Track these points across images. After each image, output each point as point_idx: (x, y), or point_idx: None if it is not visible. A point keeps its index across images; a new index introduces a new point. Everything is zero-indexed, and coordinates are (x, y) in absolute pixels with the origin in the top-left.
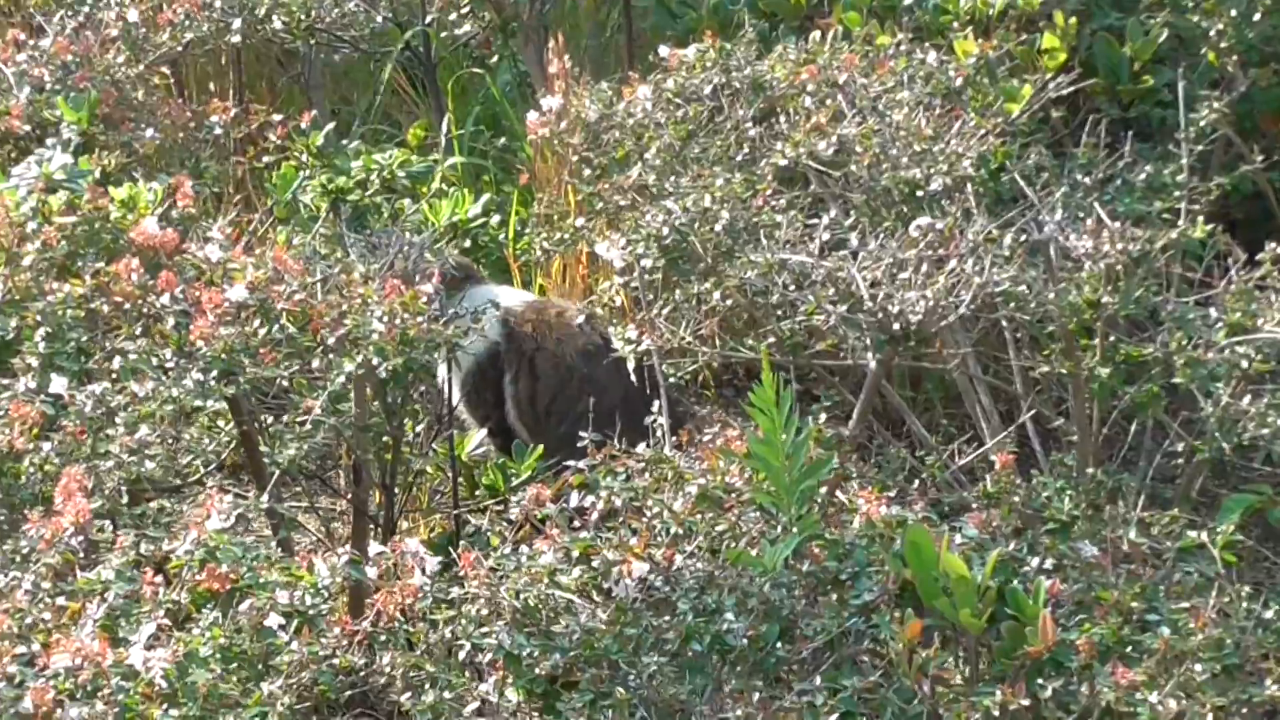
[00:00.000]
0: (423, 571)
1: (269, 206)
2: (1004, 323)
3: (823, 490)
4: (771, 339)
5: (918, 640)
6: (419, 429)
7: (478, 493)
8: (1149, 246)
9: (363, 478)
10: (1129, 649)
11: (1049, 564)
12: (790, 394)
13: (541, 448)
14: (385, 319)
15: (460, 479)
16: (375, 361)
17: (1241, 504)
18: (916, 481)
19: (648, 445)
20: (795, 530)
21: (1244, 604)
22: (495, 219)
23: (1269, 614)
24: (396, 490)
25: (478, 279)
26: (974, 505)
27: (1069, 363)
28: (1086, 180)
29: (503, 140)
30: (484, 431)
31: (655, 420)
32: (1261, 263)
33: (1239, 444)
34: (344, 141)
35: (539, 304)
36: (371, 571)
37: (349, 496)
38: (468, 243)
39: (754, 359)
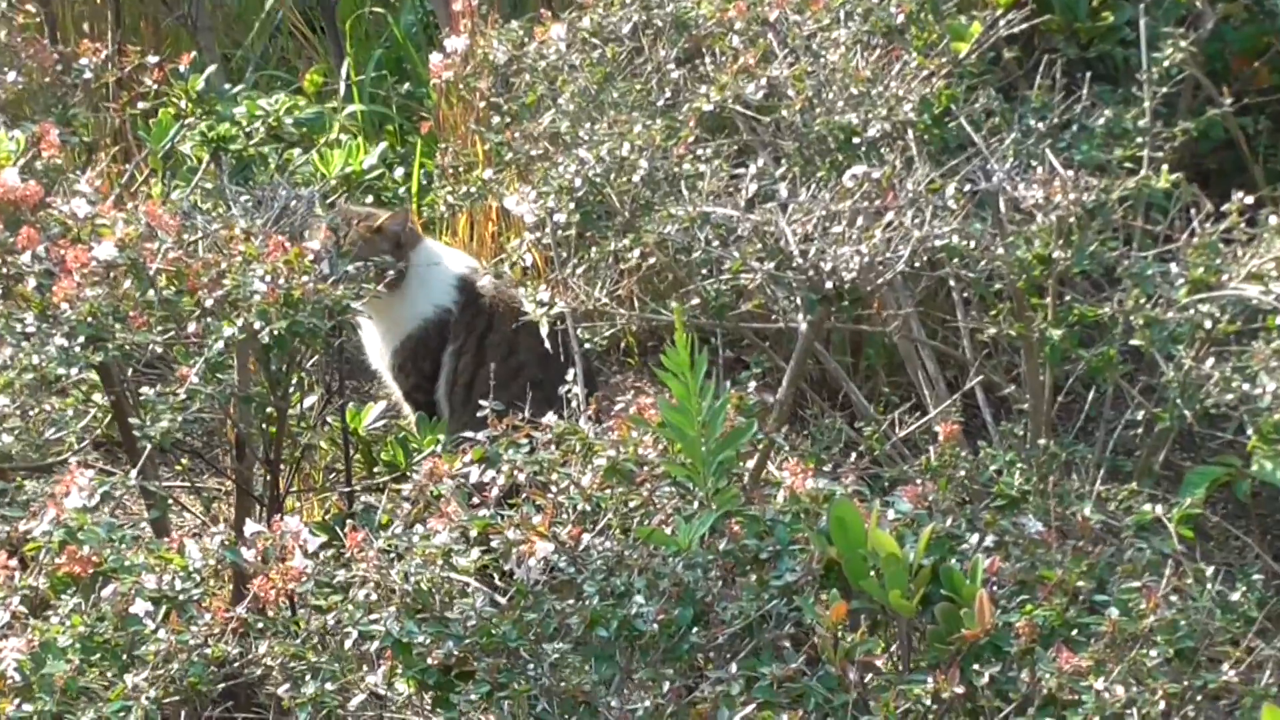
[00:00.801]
0: (304, 552)
1: (142, 157)
2: (951, 281)
3: (749, 464)
4: (695, 300)
5: (844, 624)
6: (311, 401)
7: (376, 470)
8: (1105, 197)
9: (245, 453)
10: (1074, 632)
11: (989, 541)
12: (704, 358)
13: (444, 422)
14: (268, 279)
15: (357, 455)
16: (257, 325)
17: (1207, 477)
18: (854, 455)
19: (560, 416)
20: (712, 506)
21: (1204, 584)
22: (399, 172)
23: (1235, 596)
24: (283, 466)
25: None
26: (917, 480)
27: (1018, 324)
28: (1040, 126)
29: (407, 86)
30: (399, 402)
31: (570, 390)
32: (1229, 214)
33: (1204, 412)
34: (228, 86)
35: (505, 282)
36: (249, 553)
37: (233, 474)
38: (369, 199)
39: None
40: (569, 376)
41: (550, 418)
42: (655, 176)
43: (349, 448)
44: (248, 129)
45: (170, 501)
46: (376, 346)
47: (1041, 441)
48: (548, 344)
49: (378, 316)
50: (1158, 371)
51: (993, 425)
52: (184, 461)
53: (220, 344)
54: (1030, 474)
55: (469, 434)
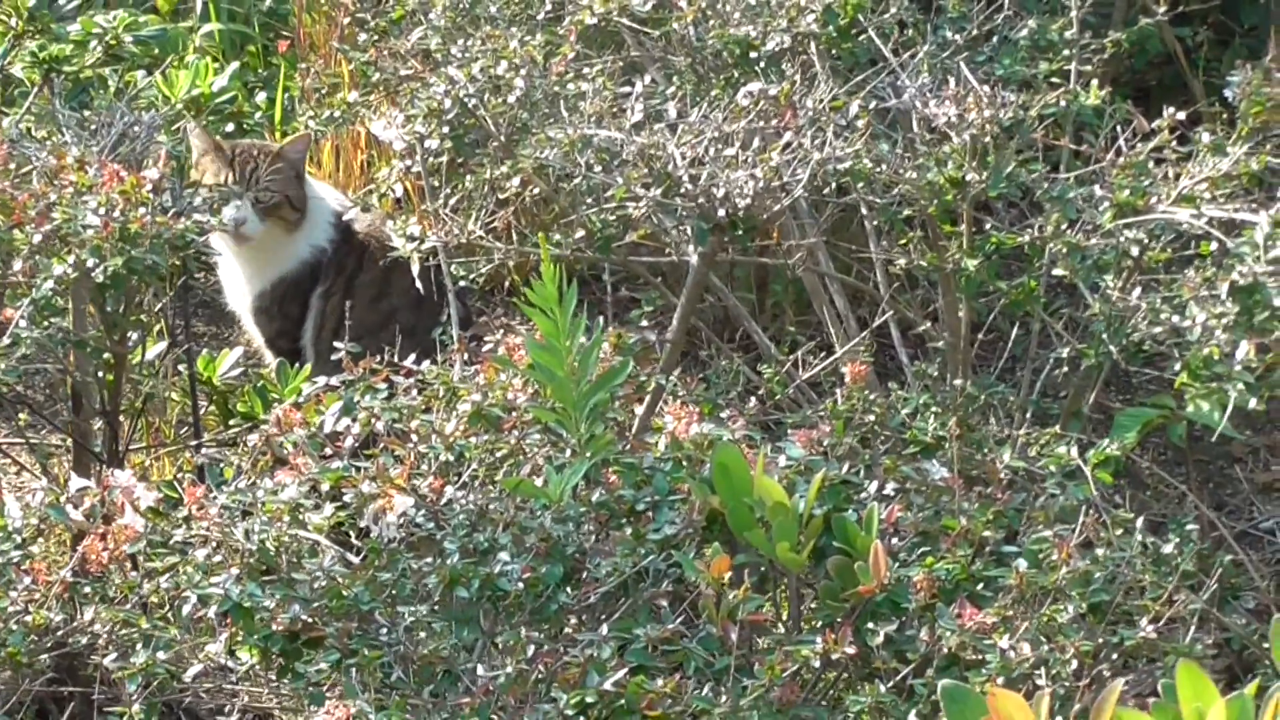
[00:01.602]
0: (135, 509)
1: None
2: (862, 210)
3: (639, 411)
4: (580, 233)
5: (727, 580)
6: (159, 349)
7: (233, 423)
8: (1023, 114)
9: (83, 405)
10: (979, 586)
11: (889, 488)
12: (574, 291)
13: (307, 370)
14: (102, 212)
15: (211, 406)
16: (90, 263)
17: (1138, 419)
18: (753, 399)
19: (432, 361)
20: (586, 454)
21: (1131, 534)
22: (261, 96)
23: (1168, 548)
24: (124, 419)
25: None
26: (820, 425)
27: (931, 254)
28: (957, 38)
29: (269, 1)
30: (261, 349)
31: (442, 332)
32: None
33: (1135, 349)
34: (64, 2)
35: (378, 216)
36: (75, 512)
37: (71, 428)
38: (229, 126)
39: (560, 258)
40: (444, 318)
41: (414, 362)
42: (533, 97)
43: (196, 398)
44: (85, 49)
45: (4, 459)
46: (239, 287)
47: (958, 382)
48: (419, 285)
49: (247, 256)
50: (1083, 304)
51: (907, 365)
52: (22, 416)
53: (49, 284)
54: (946, 418)
55: (325, 379)
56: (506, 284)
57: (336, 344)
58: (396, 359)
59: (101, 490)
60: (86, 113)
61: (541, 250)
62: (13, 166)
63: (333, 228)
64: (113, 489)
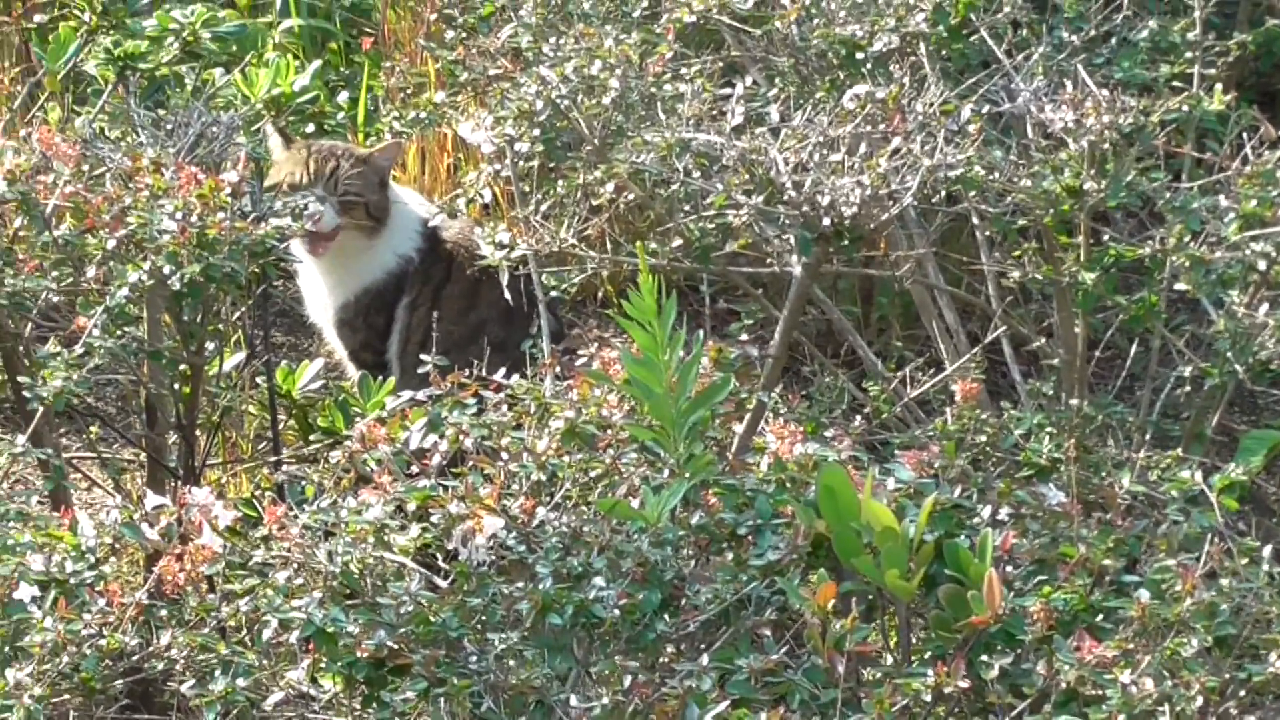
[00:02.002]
0: (213, 529)
1: (39, 77)
2: (973, 219)
3: (738, 429)
4: (677, 241)
5: (833, 608)
6: (236, 359)
7: (313, 438)
8: (1144, 120)
9: (157, 418)
10: (1099, 618)
11: (1003, 513)
12: (673, 304)
13: (391, 383)
14: (179, 216)
15: (290, 420)
16: (166, 270)
17: (1265, 441)
18: (858, 418)
19: (522, 375)
20: (684, 474)
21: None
22: (344, 96)
23: None
24: (200, 433)
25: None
26: (934, 446)
27: (1046, 267)
28: (1074, 39)
29: None
30: (343, 361)
31: (533, 345)
32: None
33: (1260, 367)
34: None
35: (467, 224)
36: (150, 531)
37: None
38: (310, 127)
39: (657, 268)
40: (534, 331)
41: (504, 376)
42: (629, 98)
43: (275, 412)
44: (161, 45)
45: (75, 474)
46: (321, 299)
47: (1074, 402)
48: (508, 295)
49: (329, 265)
50: (1207, 321)
51: (1020, 383)
52: (93, 429)
53: (124, 291)
54: (1061, 439)
55: (411, 393)
56: (599, 295)
57: (423, 357)
58: (486, 373)
59: (178, 508)
60: (162, 112)
61: (639, 260)
62: (86, 168)
63: (419, 236)
64: (189, 507)
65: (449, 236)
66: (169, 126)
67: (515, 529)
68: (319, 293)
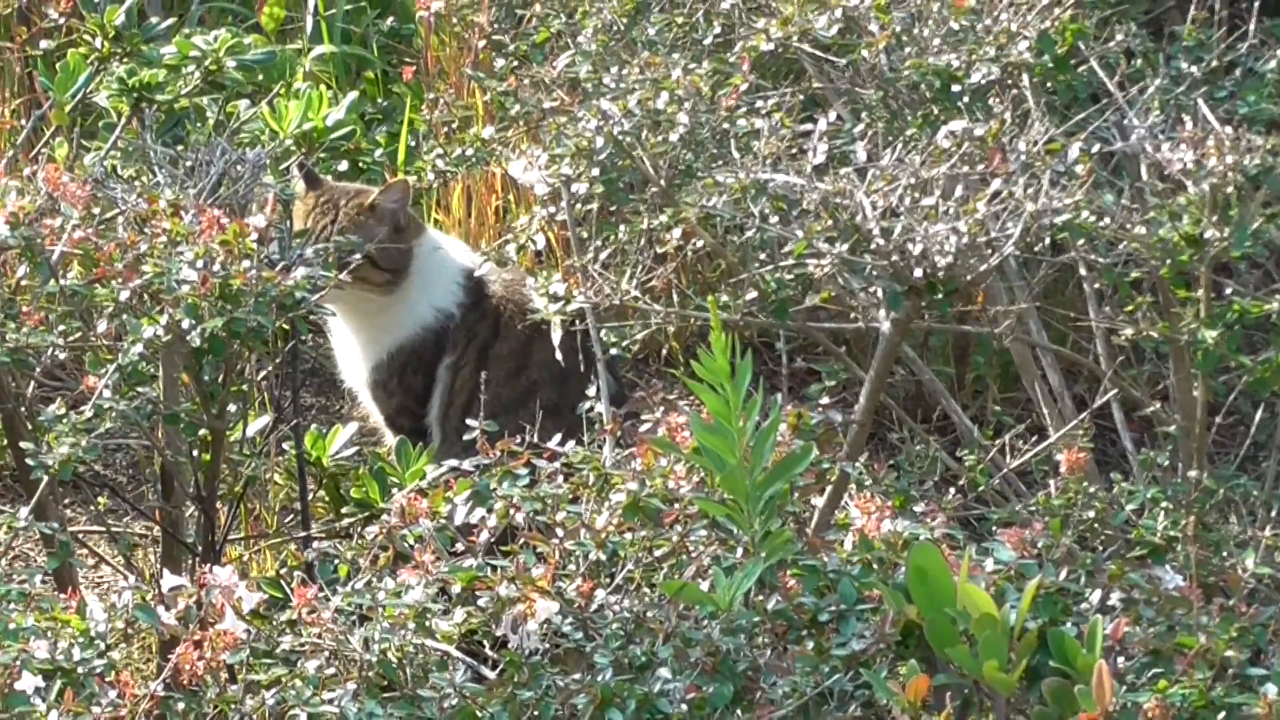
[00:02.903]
0: (237, 613)
1: (46, 109)
2: (1080, 270)
3: (817, 502)
4: (751, 293)
5: (926, 703)
6: (259, 423)
7: (346, 510)
8: (1271, 160)
9: (173, 488)
10: (1220, 716)
11: (1114, 598)
12: (748, 364)
13: (433, 450)
14: (200, 265)
15: (320, 491)
16: (185, 324)
17: None
18: (952, 490)
19: (577, 442)
20: (760, 554)
21: None
22: (381, 130)
23: None
24: (221, 505)
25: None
26: (1037, 523)
27: (1163, 324)
28: (1194, 71)
29: (391, 21)
30: (379, 427)
31: (589, 408)
32: None
33: None
34: (156, 21)
35: (512, 278)
36: (168, 614)
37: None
38: (343, 165)
39: (729, 323)
40: (590, 392)
41: (560, 443)
42: (699, 135)
43: (304, 481)
44: (180, 74)
45: (83, 550)
46: (353, 357)
47: (1193, 474)
48: (560, 355)
49: (361, 321)
50: None
51: (1132, 453)
52: (102, 500)
53: (138, 348)
54: (1179, 515)
55: (455, 462)
56: (664, 353)
57: (469, 422)
58: (538, 440)
59: (197, 589)
60: (181, 149)
61: (710, 314)
62: (96, 211)
63: (461, 289)
64: (210, 588)
65: (496, 289)
66: (189, 165)
67: (571, 614)
68: (351, 352)
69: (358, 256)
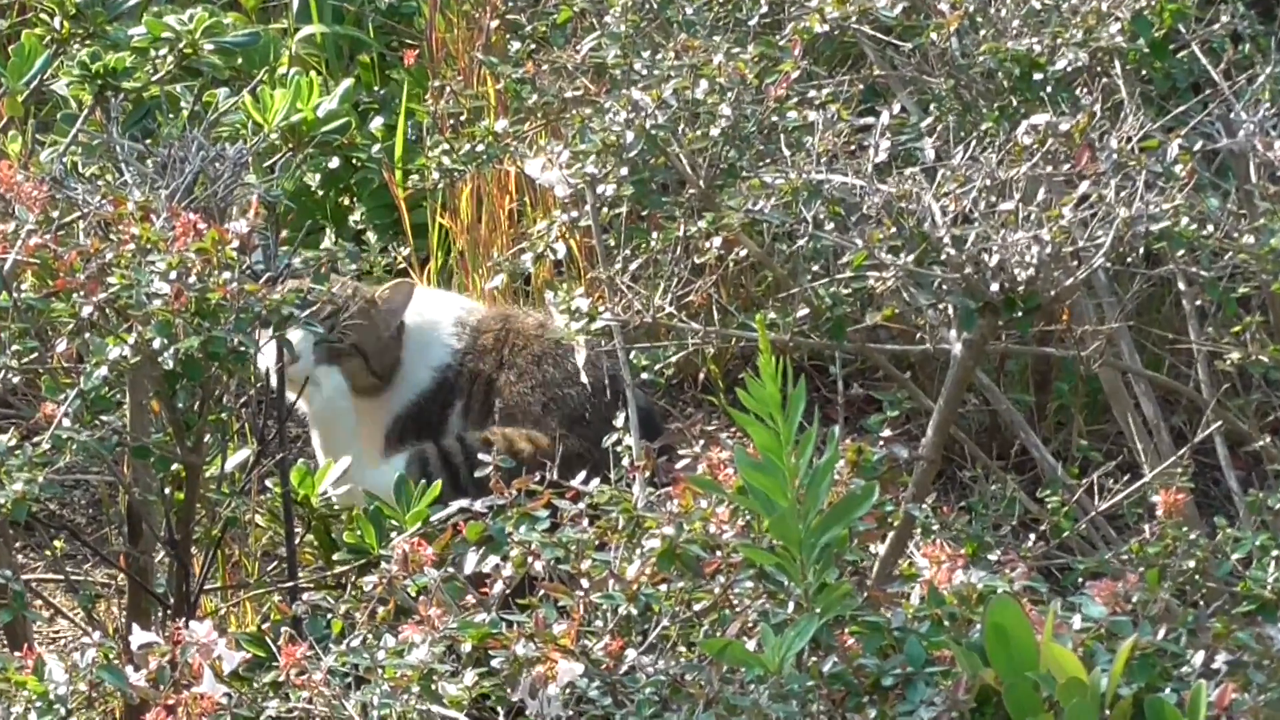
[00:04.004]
0: (216, 675)
1: None
2: (1180, 284)
3: (878, 550)
4: (802, 310)
5: None
6: (239, 457)
7: (338, 557)
8: None
9: (141, 531)
10: None
11: (1219, 660)
12: (802, 392)
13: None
14: (174, 276)
15: (308, 535)
16: (156, 344)
17: None
18: (1033, 537)
19: (603, 480)
20: (814, 609)
21: None
22: (378, 122)
23: None
24: (196, 551)
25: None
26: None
27: (1274, 346)
28: None
29: None
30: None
31: (617, 440)
32: None
33: None
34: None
35: (506, 313)
36: (137, 675)
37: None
38: (333, 161)
39: (778, 344)
40: (618, 423)
41: (584, 481)
42: (744, 129)
43: (290, 523)
44: (150, 59)
45: (37, 601)
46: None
47: None
48: (585, 379)
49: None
50: None
51: (1238, 494)
52: (60, 544)
53: (102, 371)
54: None
55: (464, 502)
56: (702, 378)
57: (482, 456)
58: (560, 477)
59: (170, 646)
60: (151, 143)
61: (757, 334)
62: (55, 214)
63: (453, 337)
64: (185, 645)
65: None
66: (160, 162)
67: (598, 676)
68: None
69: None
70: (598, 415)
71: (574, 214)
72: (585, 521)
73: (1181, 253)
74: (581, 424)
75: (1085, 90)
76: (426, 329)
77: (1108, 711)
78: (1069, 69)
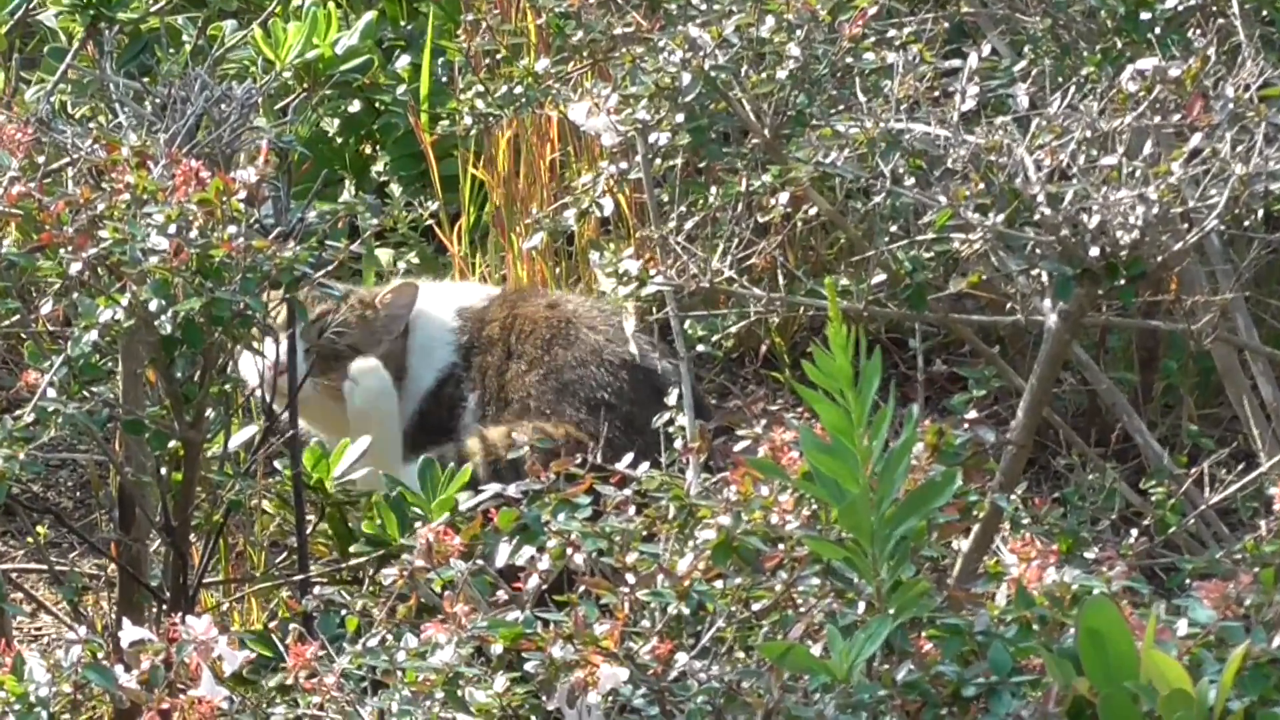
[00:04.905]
0: (217, 676)
1: None
2: None
3: (961, 545)
4: (878, 275)
5: None
6: (245, 434)
7: (355, 548)
8: None
9: (134, 516)
10: None
11: None
12: (877, 364)
13: (468, 471)
14: (173, 230)
15: (321, 523)
16: (153, 306)
17: None
18: (1133, 531)
19: (653, 464)
20: (887, 610)
21: None
22: (404, 61)
23: None
24: (196, 538)
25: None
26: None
27: None
28: None
29: None
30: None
31: (668, 419)
32: None
33: None
34: None
35: (515, 297)
36: (127, 676)
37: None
38: (354, 104)
39: (851, 313)
40: (670, 400)
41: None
42: (815, 72)
43: (302, 509)
44: None
45: (17, 594)
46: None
47: None
48: (635, 349)
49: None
50: None
51: None
52: (43, 530)
53: (92, 335)
54: None
55: (498, 486)
56: (764, 350)
57: (515, 437)
58: (602, 460)
59: (165, 644)
60: (150, 82)
61: (827, 302)
62: (41, 160)
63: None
64: (182, 644)
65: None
66: (159, 102)
67: (645, 682)
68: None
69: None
70: (622, 396)
71: (623, 165)
72: (631, 510)
73: None
74: (607, 408)
75: (1198, 31)
76: (428, 329)
77: None
78: (1180, 7)
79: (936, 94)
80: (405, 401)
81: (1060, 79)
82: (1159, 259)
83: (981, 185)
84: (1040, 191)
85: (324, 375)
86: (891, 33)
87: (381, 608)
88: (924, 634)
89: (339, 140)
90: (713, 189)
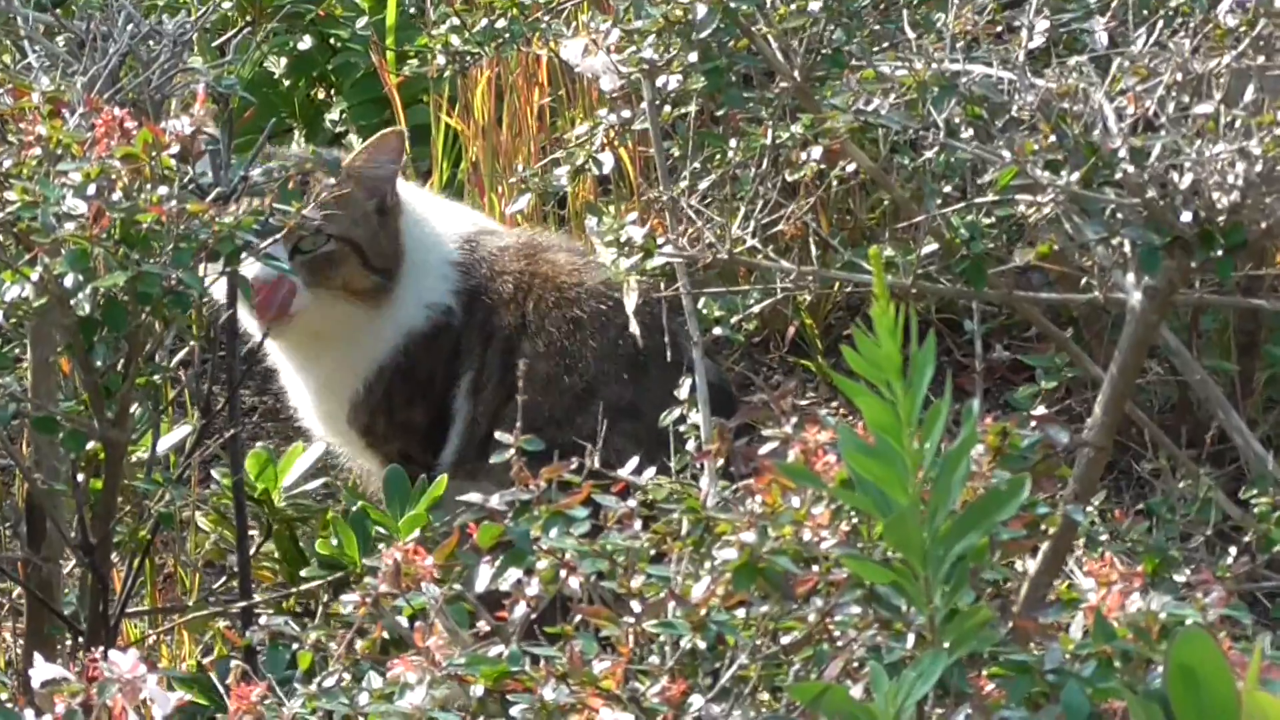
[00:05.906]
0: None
1: None
2: None
3: (1027, 565)
4: (930, 245)
5: None
6: (177, 435)
7: (305, 572)
8: None
9: (45, 530)
10: None
11: None
12: (931, 348)
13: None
14: (91, 190)
15: (266, 542)
16: (69, 281)
17: None
18: (1234, 550)
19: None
20: (942, 643)
21: None
22: None
23: None
24: (116, 557)
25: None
26: None
27: None
28: None
29: None
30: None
31: (677, 415)
32: None
33: None
34: None
35: (531, 242)
36: None
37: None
38: (304, 41)
39: (897, 289)
40: (680, 392)
41: (636, 470)
42: (852, 3)
43: (244, 524)
44: None
45: None
46: (316, 395)
47: None
48: (638, 334)
49: (320, 347)
50: None
51: None
52: None
53: None
54: None
55: (477, 496)
56: (792, 333)
57: (499, 436)
58: (602, 463)
59: (85, 685)
60: (64, 14)
61: (873, 276)
62: None
63: (457, 270)
64: (104, 683)
65: (512, 262)
66: (76, 39)
67: None
68: (309, 387)
69: (329, 247)
70: (654, 384)
71: (625, 114)
72: (637, 524)
73: None
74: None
75: None
76: (424, 242)
77: None
78: None
79: (999, 29)
80: (383, 328)
81: (1146, 11)
82: (1263, 225)
83: (1052, 138)
84: (1122, 145)
85: (321, 283)
86: None
87: (339, 641)
88: (985, 672)
89: (287, 83)
90: (732, 142)
